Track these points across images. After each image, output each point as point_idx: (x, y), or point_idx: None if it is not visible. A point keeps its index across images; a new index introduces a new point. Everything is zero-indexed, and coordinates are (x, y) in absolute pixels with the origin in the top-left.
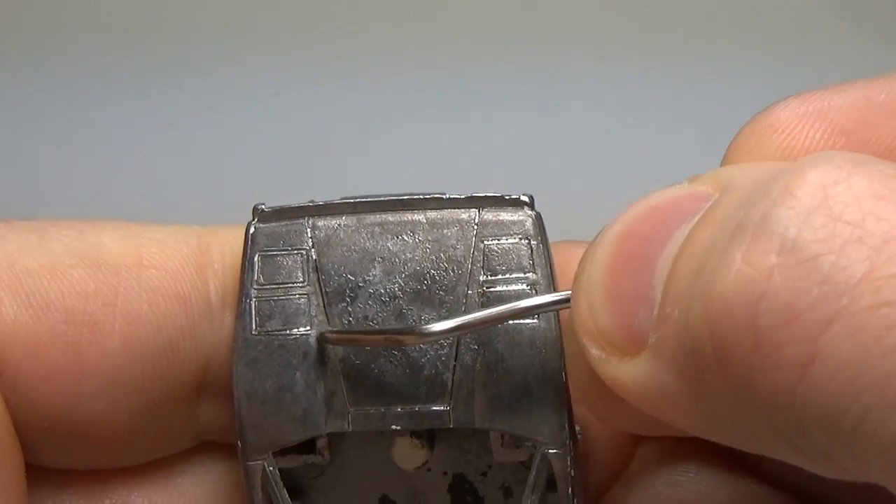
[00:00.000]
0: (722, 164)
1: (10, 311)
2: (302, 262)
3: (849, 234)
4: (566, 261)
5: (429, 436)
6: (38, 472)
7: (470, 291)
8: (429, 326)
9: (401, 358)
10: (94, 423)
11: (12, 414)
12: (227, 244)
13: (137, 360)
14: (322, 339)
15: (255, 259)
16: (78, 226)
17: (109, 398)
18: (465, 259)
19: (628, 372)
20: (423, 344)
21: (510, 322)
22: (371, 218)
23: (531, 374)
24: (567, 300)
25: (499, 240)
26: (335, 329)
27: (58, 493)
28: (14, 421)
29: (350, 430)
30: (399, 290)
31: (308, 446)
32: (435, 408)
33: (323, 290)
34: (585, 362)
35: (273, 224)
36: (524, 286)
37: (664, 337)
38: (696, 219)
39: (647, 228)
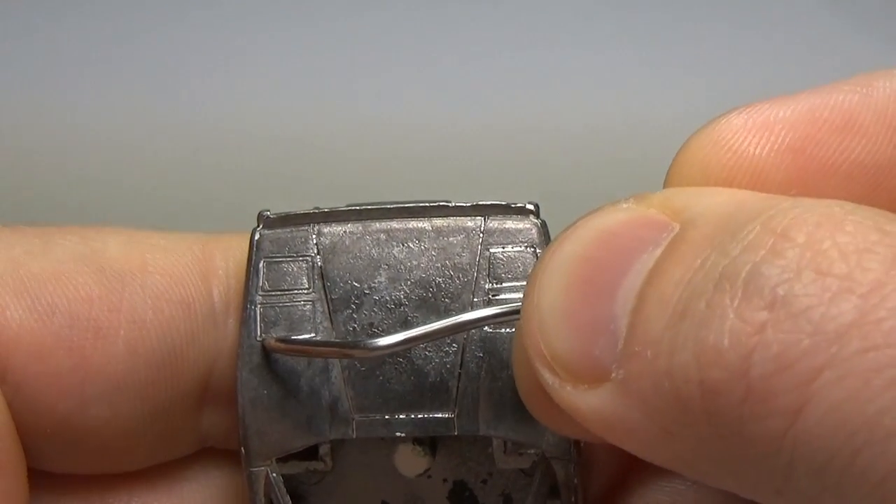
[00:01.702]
0: (667, 179)
1: (15, 315)
2: (307, 269)
3: (837, 286)
4: None
5: (431, 443)
6: (40, 476)
7: (475, 299)
8: (375, 341)
9: (405, 365)
10: (97, 427)
11: (15, 418)
12: (230, 250)
13: (141, 366)
14: (266, 347)
15: (261, 265)
16: (82, 232)
17: (113, 403)
18: (470, 267)
19: (586, 402)
20: (370, 358)
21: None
22: (377, 225)
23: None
24: (515, 312)
25: (504, 248)
26: (281, 337)
27: (59, 497)
28: (17, 425)
29: (354, 436)
30: (404, 297)
31: (310, 452)
32: (439, 415)
33: (328, 296)
34: (531, 373)
35: (278, 230)
36: None
37: (634, 376)
38: (657, 251)
39: (603, 254)
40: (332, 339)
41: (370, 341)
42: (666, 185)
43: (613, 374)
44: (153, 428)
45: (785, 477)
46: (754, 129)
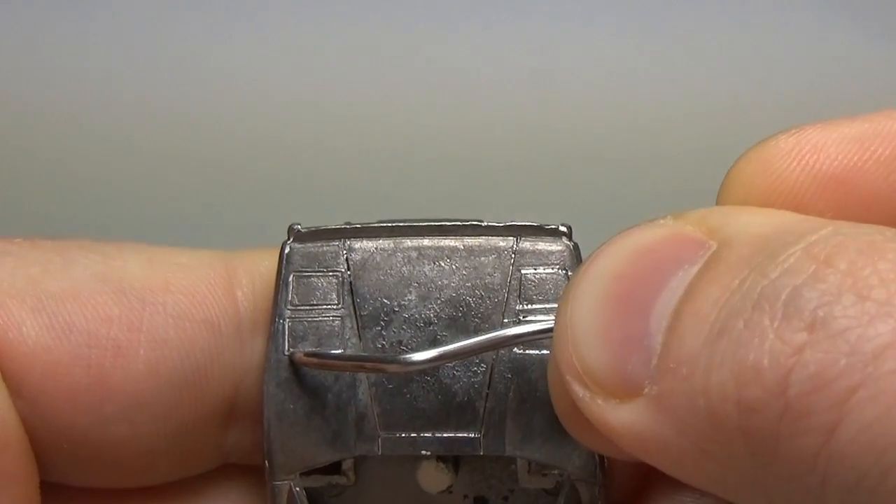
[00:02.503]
0: (718, 198)
1: (32, 332)
2: (337, 284)
3: (875, 310)
4: None
5: (454, 459)
6: (57, 490)
7: (506, 320)
8: (411, 356)
9: (433, 384)
10: (116, 445)
11: (31, 432)
12: (254, 266)
13: (164, 386)
14: (292, 359)
15: (290, 279)
16: (102, 248)
17: (133, 422)
18: (501, 287)
19: (618, 417)
20: (406, 374)
21: (545, 352)
22: (408, 242)
23: None
24: (549, 330)
25: (536, 269)
26: (311, 351)
27: None
28: (32, 439)
29: (380, 454)
30: (434, 316)
31: (334, 466)
32: (466, 434)
33: (357, 312)
34: (566, 391)
35: (308, 245)
36: None
37: (668, 392)
38: (693, 269)
39: (638, 271)
40: (363, 354)
41: (404, 357)
42: (717, 203)
43: (646, 390)
44: (176, 446)
45: (817, 496)
46: (801, 155)
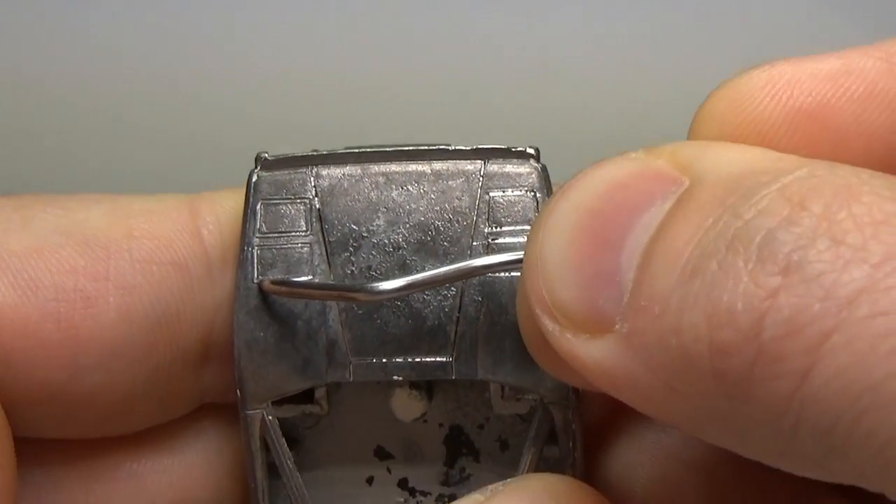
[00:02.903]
0: (689, 132)
1: None
2: (305, 211)
3: (850, 255)
4: None
5: (427, 387)
6: (37, 445)
7: (475, 243)
8: (379, 285)
9: (404, 309)
10: (94, 395)
11: (4, 391)
12: (218, 206)
13: (136, 331)
14: (264, 289)
15: (258, 207)
16: (61, 202)
17: (108, 370)
18: (470, 210)
19: (588, 352)
20: (375, 302)
21: (515, 274)
22: (376, 168)
23: None
24: (520, 261)
25: (504, 192)
26: (277, 279)
27: (58, 464)
28: (7, 398)
29: (351, 380)
30: (403, 240)
31: (306, 396)
32: (437, 359)
33: (326, 239)
34: (536, 325)
35: (276, 172)
36: None
37: (639, 330)
38: (665, 205)
39: (610, 206)
40: (332, 282)
41: (373, 285)
42: (688, 138)
43: (617, 327)
44: (153, 390)
45: (790, 439)
46: (773, 90)
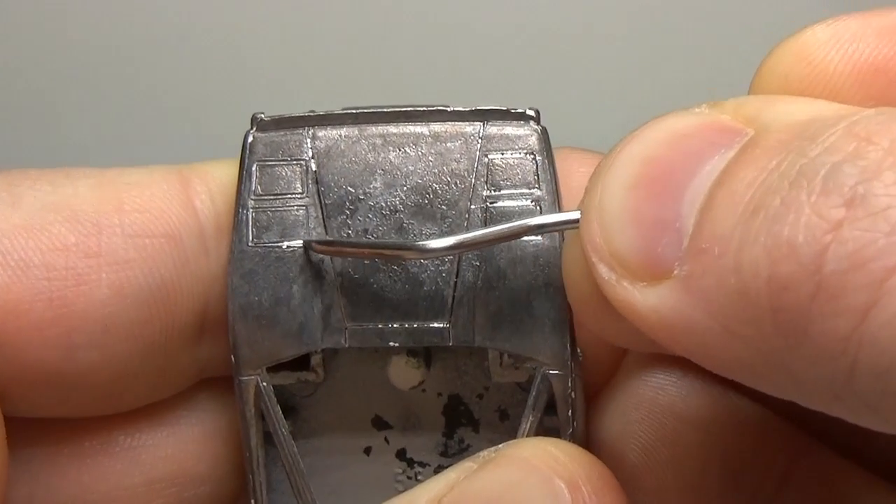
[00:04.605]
0: (750, 88)
1: None
2: (301, 173)
3: None
4: (566, 166)
5: (425, 355)
6: (27, 422)
7: (473, 206)
8: (428, 243)
9: (400, 273)
10: (88, 373)
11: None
12: (209, 175)
13: (130, 306)
14: (308, 247)
15: (253, 169)
16: (50, 177)
17: (103, 347)
18: (468, 173)
19: (645, 299)
20: (424, 260)
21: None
22: (373, 129)
23: (534, 292)
24: (576, 221)
25: (503, 154)
26: (325, 239)
27: (47, 439)
28: (0, 378)
29: (347, 345)
30: (400, 203)
31: (302, 363)
32: (434, 325)
33: (322, 201)
34: (585, 276)
35: (272, 133)
36: (528, 202)
37: (698, 272)
38: (729, 153)
39: (673, 155)
40: (380, 240)
41: (422, 243)
42: (749, 93)
43: (676, 272)
44: (149, 367)
45: (846, 380)
46: (839, 44)
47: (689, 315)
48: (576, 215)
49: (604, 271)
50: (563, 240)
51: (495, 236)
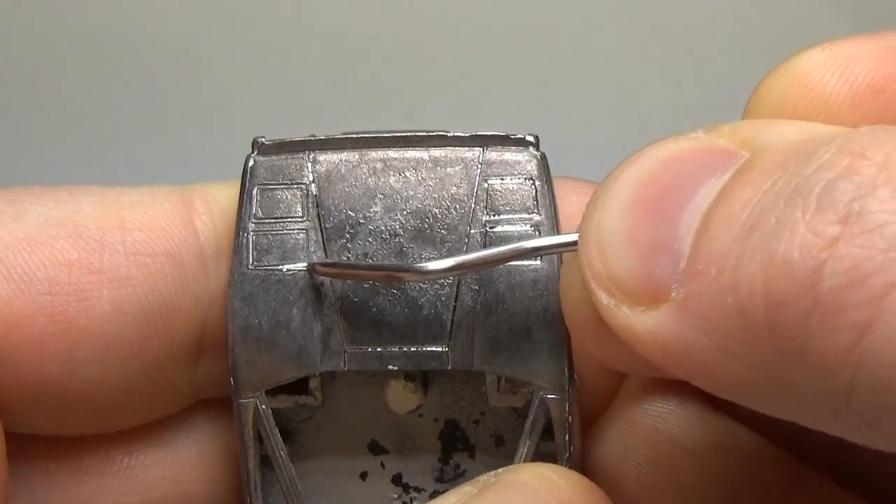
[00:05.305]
0: (745, 112)
1: None
2: (301, 197)
3: None
4: (561, 195)
5: (423, 379)
6: (32, 441)
7: (472, 231)
8: (427, 265)
9: (400, 297)
10: (89, 388)
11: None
12: (210, 196)
13: (131, 323)
14: (312, 270)
15: (254, 192)
16: (54, 194)
17: (103, 363)
18: (468, 198)
19: (643, 323)
20: (423, 283)
21: (512, 263)
22: (373, 154)
23: (532, 316)
24: (573, 243)
25: (502, 179)
26: (327, 261)
27: (46, 458)
28: (1, 392)
29: (346, 369)
30: (400, 227)
31: (300, 386)
32: (433, 349)
33: (322, 225)
34: (584, 300)
35: (273, 157)
36: (527, 227)
37: (695, 293)
38: (725, 176)
39: (670, 178)
40: (380, 262)
41: (420, 265)
42: (744, 117)
43: (673, 294)
44: (148, 385)
45: (846, 397)
46: (834, 66)
47: (686, 336)
48: (573, 237)
49: (602, 297)
50: (562, 262)
51: (493, 258)
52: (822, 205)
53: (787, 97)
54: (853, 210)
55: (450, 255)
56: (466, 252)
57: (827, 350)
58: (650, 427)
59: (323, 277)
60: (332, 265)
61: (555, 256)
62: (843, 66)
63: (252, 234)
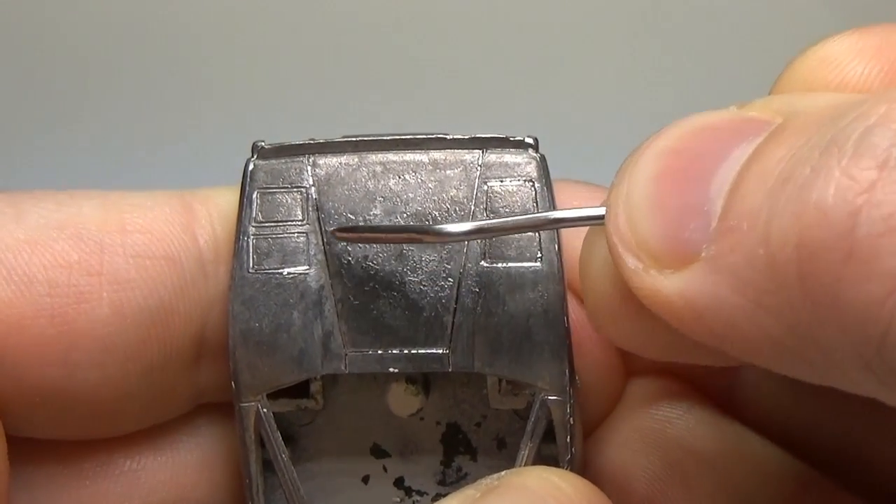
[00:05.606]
0: (772, 93)
1: None
2: (302, 200)
3: None
4: (562, 197)
5: (424, 382)
6: (31, 445)
7: None
8: (446, 227)
9: (400, 299)
10: (87, 392)
11: None
12: (210, 201)
13: (129, 326)
14: (332, 235)
15: (254, 196)
16: (55, 197)
17: (102, 366)
18: (467, 200)
19: (672, 284)
20: (442, 244)
21: (512, 265)
22: (373, 157)
23: (533, 318)
24: (599, 217)
25: (502, 181)
26: (345, 226)
27: (47, 461)
28: (1, 395)
29: (347, 371)
30: None
31: (302, 390)
32: (434, 351)
33: (323, 228)
34: (604, 275)
35: (273, 161)
36: None
37: (726, 249)
38: (758, 139)
39: (700, 145)
40: (399, 224)
41: (440, 226)
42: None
43: (703, 254)
44: (147, 389)
45: (878, 348)
46: (864, 51)
47: (716, 294)
48: (600, 211)
49: (630, 261)
50: (562, 266)
51: (514, 225)
52: (859, 151)
53: (815, 79)
54: (892, 155)
55: (449, 256)
56: (466, 255)
57: (860, 299)
58: (659, 432)
59: (323, 279)
60: (352, 229)
61: (555, 257)
62: (871, 51)
63: (252, 237)
